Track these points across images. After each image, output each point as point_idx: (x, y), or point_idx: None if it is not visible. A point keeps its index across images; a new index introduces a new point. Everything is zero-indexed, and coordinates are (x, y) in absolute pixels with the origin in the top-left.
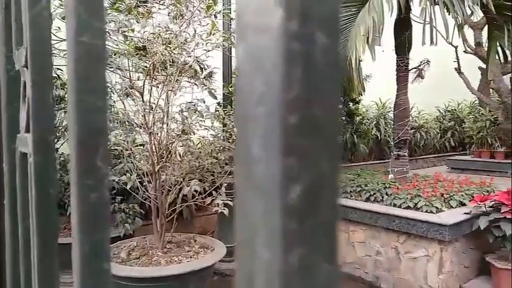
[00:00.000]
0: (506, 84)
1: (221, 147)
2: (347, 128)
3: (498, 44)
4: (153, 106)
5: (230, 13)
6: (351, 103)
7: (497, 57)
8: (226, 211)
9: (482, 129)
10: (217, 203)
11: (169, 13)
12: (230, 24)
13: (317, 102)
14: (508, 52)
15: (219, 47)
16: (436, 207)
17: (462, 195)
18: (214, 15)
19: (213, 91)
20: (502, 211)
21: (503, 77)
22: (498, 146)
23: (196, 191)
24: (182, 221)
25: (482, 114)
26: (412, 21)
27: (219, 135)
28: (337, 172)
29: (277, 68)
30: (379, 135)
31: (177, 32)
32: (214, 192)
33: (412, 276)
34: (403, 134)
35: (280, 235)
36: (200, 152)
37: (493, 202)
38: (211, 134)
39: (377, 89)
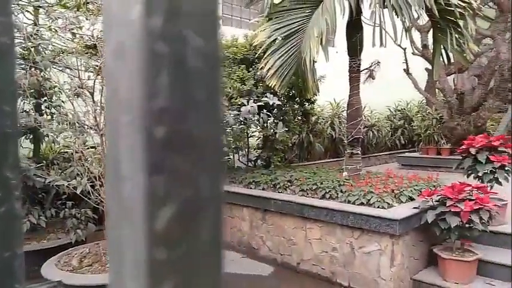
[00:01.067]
0: (450, 84)
1: None
2: (303, 127)
3: (442, 46)
4: (105, 106)
5: None
6: (307, 103)
7: (441, 59)
8: None
9: (429, 127)
10: None
11: None
12: None
13: (192, 114)
14: (451, 54)
15: None
16: (388, 203)
17: (411, 190)
18: None
19: None
20: (447, 205)
21: (447, 77)
22: (444, 143)
23: None
24: None
25: (429, 113)
26: (363, 23)
27: None
28: (219, 192)
29: (140, 71)
30: (334, 134)
31: None
32: None
33: (366, 270)
34: (356, 133)
35: (145, 267)
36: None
37: (439, 196)
38: None
39: (332, 89)
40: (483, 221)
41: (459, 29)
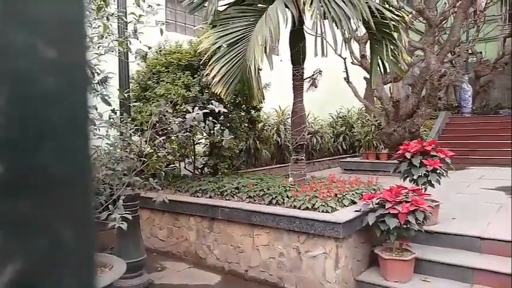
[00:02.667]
0: (387, 92)
1: (119, 157)
2: (250, 134)
3: (379, 57)
4: None
5: (125, 16)
6: (253, 110)
7: (378, 69)
8: (124, 225)
9: (369, 134)
10: (115, 217)
11: None
12: (125, 28)
13: (45, 145)
14: (387, 64)
15: (112, 51)
16: (331, 207)
17: (353, 194)
18: (107, 17)
19: (106, 97)
20: (386, 207)
21: (384, 86)
22: (382, 148)
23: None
24: None
25: (368, 119)
26: (305, 33)
27: (116, 144)
28: (88, 241)
29: None
30: (280, 140)
31: None
32: (110, 206)
33: (312, 273)
34: (301, 139)
35: None
36: (94, 163)
37: (379, 199)
38: (106, 144)
39: (277, 97)
40: (419, 221)
41: (394, 41)
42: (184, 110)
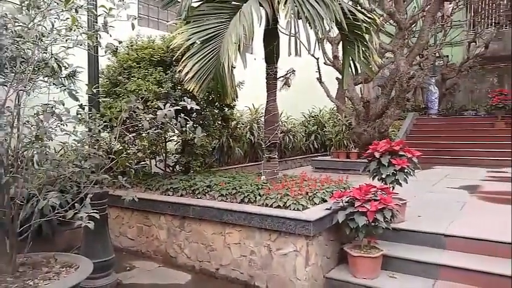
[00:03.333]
0: (358, 93)
1: (87, 154)
2: (223, 132)
3: (350, 57)
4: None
5: (95, 9)
6: (226, 108)
7: (350, 70)
8: (91, 224)
9: (340, 133)
10: (81, 216)
11: (22, 2)
12: (95, 21)
13: None
14: (358, 65)
15: (81, 45)
16: (302, 205)
17: (324, 192)
18: (75, 9)
19: (74, 92)
20: (355, 205)
21: (355, 87)
22: (352, 147)
23: (57, 203)
24: (42, 238)
25: (339, 119)
26: (279, 32)
27: (84, 140)
28: None
29: None
30: (253, 138)
31: (29, 25)
32: (77, 204)
33: (283, 271)
34: (273, 138)
35: None
36: (61, 160)
37: (349, 198)
38: (74, 140)
39: (251, 95)
40: (386, 219)
41: (365, 43)
42: (156, 106)
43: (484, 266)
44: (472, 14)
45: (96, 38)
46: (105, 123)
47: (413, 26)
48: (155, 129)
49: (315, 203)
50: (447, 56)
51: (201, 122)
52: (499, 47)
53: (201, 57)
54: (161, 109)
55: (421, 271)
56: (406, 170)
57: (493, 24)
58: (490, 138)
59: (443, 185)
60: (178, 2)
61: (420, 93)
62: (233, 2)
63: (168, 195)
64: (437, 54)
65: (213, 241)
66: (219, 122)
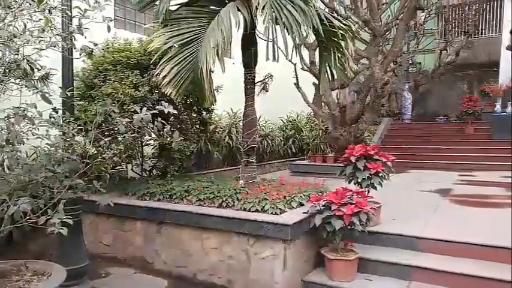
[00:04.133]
0: (334, 98)
1: (61, 159)
2: (201, 136)
3: (327, 63)
4: None
5: (69, 10)
6: (205, 112)
7: (326, 75)
8: (64, 230)
9: (317, 137)
10: (54, 222)
11: None
12: (70, 22)
13: None
14: (334, 71)
15: (55, 46)
16: (280, 209)
17: (301, 196)
18: (49, 10)
19: (47, 95)
20: (332, 209)
21: (332, 92)
22: (329, 151)
23: (29, 209)
24: (13, 245)
25: (316, 124)
26: (257, 37)
27: (57, 144)
28: None
29: None
30: (231, 143)
31: None
32: (50, 210)
33: (261, 275)
34: (252, 142)
35: None
36: (33, 165)
37: (325, 201)
38: (47, 144)
39: (230, 99)
40: (362, 222)
41: (341, 49)
42: (132, 110)
43: (456, 267)
44: (443, 23)
45: (71, 39)
46: (80, 127)
47: (387, 33)
48: (131, 133)
49: (293, 207)
50: (420, 63)
51: (178, 126)
52: (468, 55)
53: (178, 61)
54: (138, 113)
55: (396, 273)
56: (380, 174)
57: (463, 33)
58: (460, 143)
59: (416, 189)
60: (156, 4)
61: (394, 99)
62: (211, 7)
63: (145, 200)
64: (410, 61)
65: (190, 246)
66: (197, 126)
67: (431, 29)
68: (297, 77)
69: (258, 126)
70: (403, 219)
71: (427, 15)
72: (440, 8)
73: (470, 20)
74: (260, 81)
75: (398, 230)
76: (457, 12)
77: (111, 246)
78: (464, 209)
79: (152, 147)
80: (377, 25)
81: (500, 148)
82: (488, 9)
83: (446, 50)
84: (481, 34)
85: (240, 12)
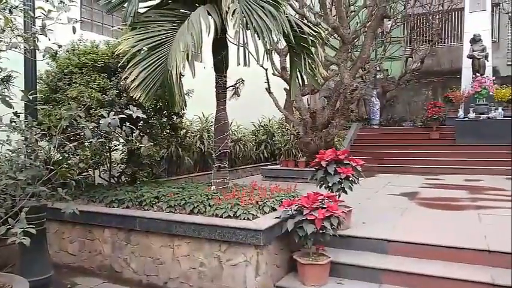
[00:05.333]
0: (305, 104)
1: (23, 165)
2: (171, 141)
3: (297, 69)
4: None
5: (32, 10)
6: (175, 117)
7: (297, 81)
8: (27, 240)
9: (288, 142)
10: (16, 232)
11: None
12: (33, 23)
13: None
14: (305, 77)
15: (16, 47)
16: (253, 214)
17: (273, 201)
18: (9, 9)
19: (7, 98)
20: (304, 213)
21: (303, 97)
22: (300, 156)
23: None
24: None
25: (287, 129)
26: (228, 42)
27: (19, 150)
28: None
29: None
30: (203, 148)
31: None
32: (11, 219)
33: (233, 282)
34: (224, 147)
35: None
36: None
37: (297, 206)
38: (8, 150)
39: (201, 104)
40: (333, 226)
41: (311, 55)
42: (100, 114)
43: (425, 269)
44: (409, 31)
45: (34, 41)
46: (44, 132)
47: (356, 40)
48: (98, 138)
49: (265, 212)
50: (387, 69)
51: (148, 130)
52: (432, 62)
53: (147, 64)
54: (105, 117)
55: (367, 276)
56: (351, 178)
57: (427, 41)
58: (426, 147)
59: (385, 192)
60: (124, 7)
61: (363, 104)
62: (181, 10)
63: (113, 207)
64: (378, 68)
65: (161, 254)
66: (168, 131)
67: (397, 37)
68: (268, 82)
69: (230, 131)
70: (372, 222)
71: (394, 24)
72: (406, 16)
73: (434, 29)
74: (231, 86)
75: (368, 233)
76: (421, 21)
77: (77, 255)
78: (431, 211)
79: (121, 152)
80: (346, 32)
81: (463, 152)
82: (450, 19)
83: (412, 58)
84: (444, 43)
85: (210, 16)
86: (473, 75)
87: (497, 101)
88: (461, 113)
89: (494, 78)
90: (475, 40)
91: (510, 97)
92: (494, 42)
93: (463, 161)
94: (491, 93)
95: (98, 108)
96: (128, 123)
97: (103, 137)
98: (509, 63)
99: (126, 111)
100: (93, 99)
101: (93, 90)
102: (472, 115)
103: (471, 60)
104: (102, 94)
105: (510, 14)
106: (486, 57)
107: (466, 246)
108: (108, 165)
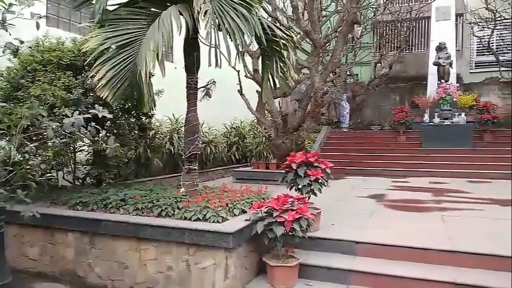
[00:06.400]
0: (277, 106)
1: None
2: (140, 142)
3: (269, 72)
4: None
5: None
6: (144, 117)
7: (269, 84)
8: None
9: (260, 144)
10: None
11: None
12: None
13: None
14: (276, 80)
15: None
16: (222, 217)
17: (243, 203)
18: None
19: None
20: (274, 215)
21: (274, 100)
22: (272, 158)
23: None
24: None
25: (259, 131)
26: (200, 42)
27: None
28: None
29: None
30: (173, 149)
31: None
32: None
33: (201, 285)
34: (194, 149)
35: None
36: None
37: (267, 208)
38: None
39: (172, 104)
40: (303, 228)
41: (283, 58)
42: (64, 113)
43: (392, 270)
44: (378, 38)
45: None
46: (3, 131)
47: (327, 45)
48: (62, 139)
49: (235, 215)
50: (357, 74)
51: (115, 131)
52: (400, 68)
53: (116, 63)
54: (68, 117)
55: (335, 278)
56: (320, 181)
57: (396, 48)
58: (394, 150)
59: (354, 194)
60: (92, 3)
61: (333, 108)
62: (152, 9)
63: (77, 210)
64: (348, 73)
65: (127, 258)
66: (136, 132)
67: (367, 43)
68: (240, 84)
69: (201, 133)
70: (341, 224)
71: (364, 30)
72: (376, 23)
73: (402, 36)
74: (203, 87)
75: (337, 235)
76: (390, 28)
77: (38, 260)
78: (398, 213)
79: (86, 153)
80: (317, 36)
81: (428, 156)
82: (417, 27)
83: (381, 63)
84: (412, 50)
85: (182, 16)
86: (439, 82)
87: (460, 106)
88: (426, 117)
89: (458, 84)
90: (441, 48)
91: (472, 103)
92: (458, 50)
93: (428, 164)
94: (455, 99)
95: (63, 107)
96: (93, 123)
97: (67, 137)
98: (472, 70)
99: (91, 110)
100: (57, 97)
101: (58, 89)
102: (437, 120)
103: (436, 67)
104: (68, 93)
105: (472, 24)
106: (451, 64)
107: (430, 247)
108: (73, 166)
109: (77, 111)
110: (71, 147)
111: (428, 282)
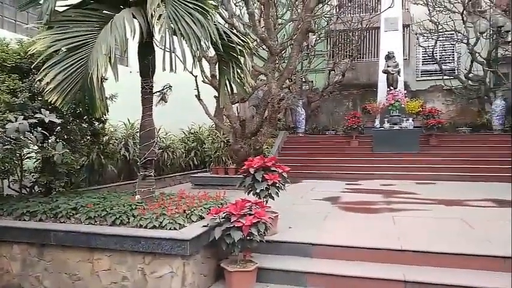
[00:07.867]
0: (235, 112)
1: None
2: (92, 148)
3: (226, 77)
4: None
5: None
6: (97, 122)
7: (226, 89)
8: None
9: (219, 150)
10: None
11: None
12: None
13: None
14: (233, 85)
15: None
16: (180, 224)
17: (201, 209)
18: None
19: None
20: (231, 220)
21: (232, 105)
22: (230, 163)
23: None
24: None
25: (218, 136)
26: (155, 46)
27: None
28: None
29: None
30: (128, 155)
31: None
32: None
33: None
34: (150, 154)
35: None
36: None
37: (225, 213)
38: None
39: (127, 109)
40: (261, 232)
41: (240, 64)
42: (8, 119)
43: (345, 271)
44: (331, 46)
45: None
46: None
47: (283, 52)
48: (5, 145)
49: (193, 221)
50: (312, 81)
51: (66, 136)
52: (352, 76)
53: (66, 66)
54: (12, 122)
55: (292, 280)
56: (277, 185)
57: (348, 56)
58: (347, 154)
59: (310, 197)
60: (40, 4)
61: (290, 113)
62: (104, 11)
63: (24, 220)
64: (303, 79)
65: (78, 269)
66: (88, 137)
67: (321, 50)
68: (198, 89)
69: (158, 138)
70: (298, 227)
71: (318, 38)
72: (329, 32)
73: (354, 45)
74: (158, 91)
75: (294, 238)
76: (343, 37)
77: None
78: (352, 215)
79: (35, 160)
80: (273, 44)
81: (379, 159)
82: (368, 36)
83: (334, 71)
84: (363, 58)
85: (136, 20)
86: (388, 89)
87: (408, 112)
88: (377, 123)
89: (405, 91)
90: (389, 57)
91: (419, 109)
92: (405, 59)
93: (379, 167)
94: (403, 105)
95: (7, 112)
96: (40, 129)
97: (12, 143)
98: (418, 78)
99: (37, 115)
100: (0, 102)
101: (1, 92)
102: (386, 125)
103: (386, 75)
104: (13, 97)
105: (418, 35)
106: (399, 72)
107: (382, 247)
108: (19, 174)
109: (21, 116)
110: (17, 154)
111: (381, 281)
